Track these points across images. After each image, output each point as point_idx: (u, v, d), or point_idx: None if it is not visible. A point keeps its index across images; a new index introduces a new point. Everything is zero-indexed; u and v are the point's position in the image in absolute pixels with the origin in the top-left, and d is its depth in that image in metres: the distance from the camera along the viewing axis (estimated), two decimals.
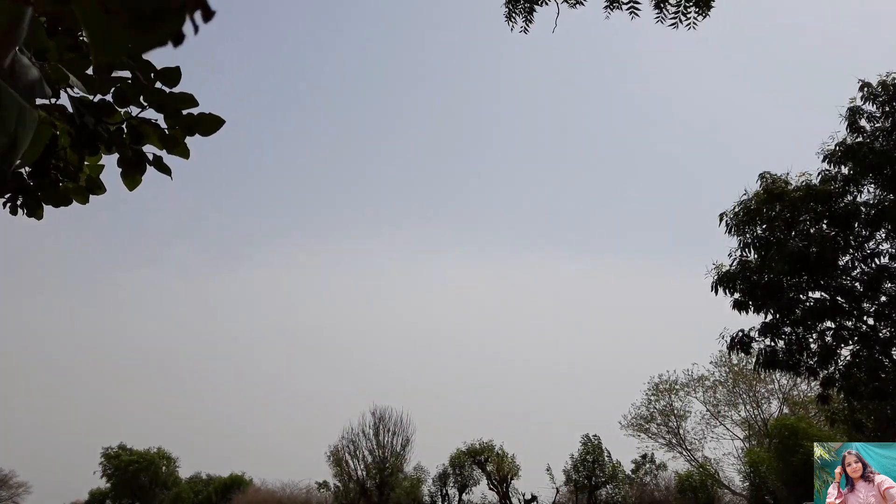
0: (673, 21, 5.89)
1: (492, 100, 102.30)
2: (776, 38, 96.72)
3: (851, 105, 16.20)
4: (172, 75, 2.36)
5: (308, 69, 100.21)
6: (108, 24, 0.91)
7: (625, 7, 5.63)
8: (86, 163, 2.82)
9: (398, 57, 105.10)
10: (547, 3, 6.18)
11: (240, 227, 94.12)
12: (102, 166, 2.88)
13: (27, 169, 2.77)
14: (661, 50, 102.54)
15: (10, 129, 1.13)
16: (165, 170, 2.62)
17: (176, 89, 2.38)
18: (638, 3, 5.60)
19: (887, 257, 16.01)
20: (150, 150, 2.58)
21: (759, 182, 16.95)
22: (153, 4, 0.90)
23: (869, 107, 16.07)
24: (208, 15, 0.92)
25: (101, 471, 49.82)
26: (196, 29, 0.91)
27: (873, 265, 16.04)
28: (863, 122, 16.12)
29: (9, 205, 2.85)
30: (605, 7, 5.71)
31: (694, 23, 5.88)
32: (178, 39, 0.92)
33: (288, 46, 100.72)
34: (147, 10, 0.90)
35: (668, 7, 5.83)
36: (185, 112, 2.41)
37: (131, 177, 2.60)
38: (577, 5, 5.85)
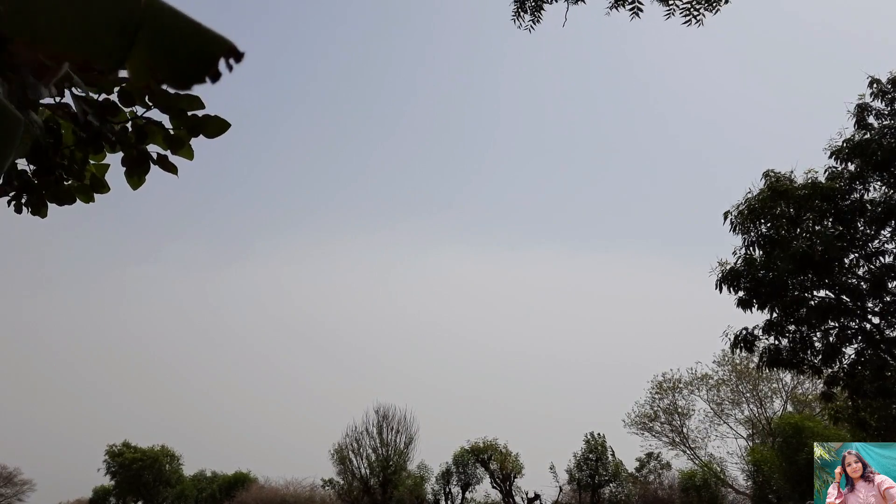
0: (686, 18, 5.86)
1: (497, 96, 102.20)
2: (785, 33, 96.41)
3: (860, 101, 16.12)
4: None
5: (310, 63, 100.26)
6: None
7: (628, 6, 5.63)
8: (91, 161, 2.84)
9: (402, 52, 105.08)
10: (556, 0, 6.18)
11: (242, 223, 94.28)
12: (107, 166, 2.89)
13: (31, 167, 2.79)
14: (668, 46, 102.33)
15: None
16: (171, 168, 2.64)
17: (182, 90, 2.39)
18: (641, 3, 5.59)
19: (893, 256, 15.95)
20: (154, 148, 2.59)
21: (763, 180, 16.91)
22: (197, 66, 1.03)
23: (878, 103, 15.98)
24: (239, 58, 1.06)
25: (105, 468, 49.87)
26: (231, 68, 1.05)
27: (878, 263, 15.99)
28: (871, 119, 16.04)
29: (13, 203, 2.86)
30: (609, 7, 5.71)
31: (701, 17, 5.86)
32: (214, 78, 1.04)
33: (290, 39, 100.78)
34: (191, 72, 1.03)
35: (678, 3, 5.81)
36: (190, 113, 2.42)
37: (135, 176, 2.62)
38: (580, 2, 5.85)
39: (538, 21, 6.19)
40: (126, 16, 0.98)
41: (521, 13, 6.21)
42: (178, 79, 1.02)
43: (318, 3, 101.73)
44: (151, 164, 2.60)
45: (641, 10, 5.63)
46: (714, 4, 5.72)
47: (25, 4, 0.98)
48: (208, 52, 1.03)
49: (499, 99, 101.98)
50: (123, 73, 2.44)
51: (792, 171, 16.79)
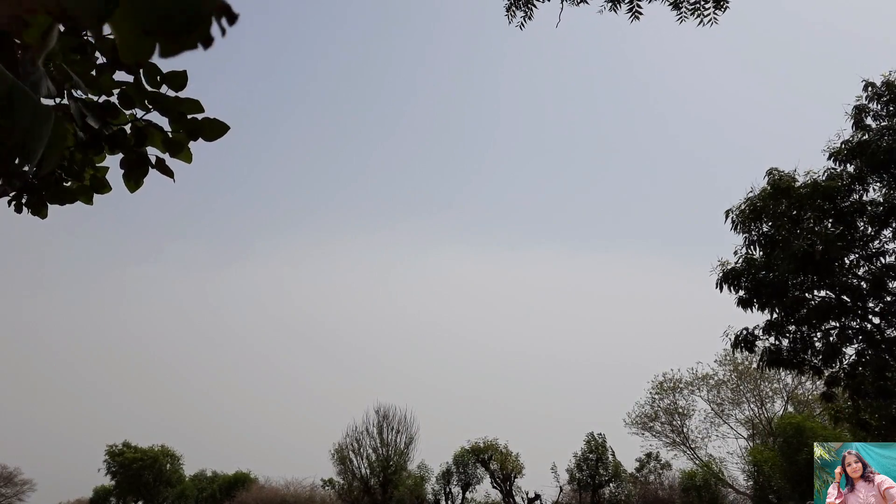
0: (697, 18, 5.86)
1: (497, 96, 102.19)
2: (786, 33, 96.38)
3: (858, 103, 16.13)
4: (178, 79, 2.36)
5: (310, 63, 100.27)
6: (141, 35, 0.98)
7: (626, 7, 5.63)
8: (91, 162, 2.84)
9: (402, 52, 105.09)
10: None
11: (242, 224, 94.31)
12: (107, 168, 2.90)
13: (31, 168, 2.79)
14: (668, 47, 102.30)
15: (24, 125, 1.15)
16: (168, 172, 2.63)
17: (182, 93, 2.38)
18: (639, 4, 5.59)
19: (893, 256, 15.94)
20: (153, 152, 2.59)
21: (766, 178, 16.90)
22: (186, 17, 0.96)
23: (875, 105, 16.00)
24: (233, 19, 0.99)
25: (106, 468, 49.91)
26: (223, 32, 0.98)
27: (878, 264, 15.98)
28: (869, 121, 16.05)
29: (13, 203, 2.87)
30: (605, 6, 5.71)
31: (714, 18, 5.87)
32: (207, 43, 0.99)
33: (290, 41, 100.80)
34: (180, 23, 0.96)
35: (687, 4, 5.81)
36: (189, 116, 2.41)
37: (133, 178, 2.62)
38: (581, 3, 5.85)
39: (529, 18, 6.20)
40: None
41: (514, 9, 6.22)
42: (167, 37, 0.96)
43: (319, 3, 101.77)
44: (150, 168, 2.60)
45: (641, 13, 5.64)
46: (722, 3, 5.73)
47: None
48: (199, 8, 0.97)
49: (499, 99, 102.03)
50: (122, 76, 2.45)
51: (795, 170, 16.79)
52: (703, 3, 5.68)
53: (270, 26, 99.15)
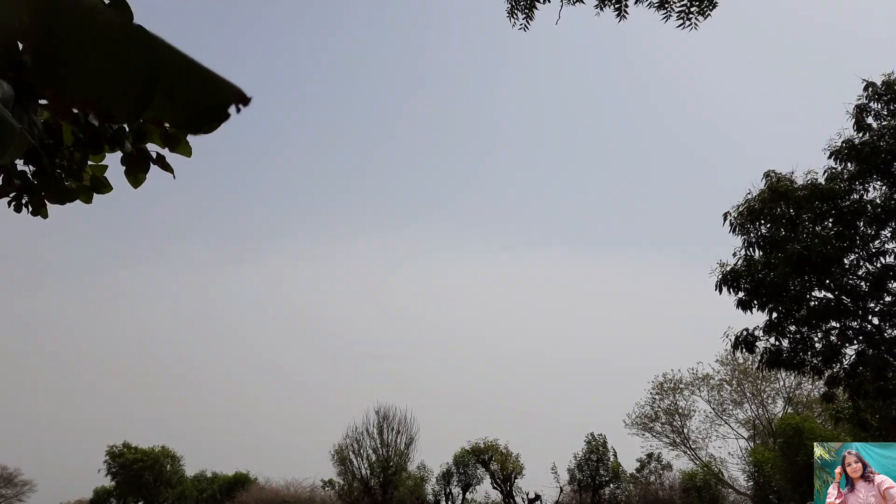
0: (679, 22, 5.88)
1: (498, 97, 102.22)
2: (786, 33, 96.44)
3: (859, 103, 16.12)
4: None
5: (310, 66, 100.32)
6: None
7: (613, 7, 5.64)
8: (90, 162, 2.85)
9: (401, 55, 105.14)
10: (549, 0, 6.19)
11: (242, 224, 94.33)
12: (106, 166, 2.90)
13: (31, 168, 2.80)
14: (668, 48, 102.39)
15: None
16: (168, 168, 2.64)
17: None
18: (626, 4, 5.62)
19: (893, 256, 15.95)
20: (153, 148, 2.60)
21: (763, 181, 16.91)
22: (209, 116, 1.12)
23: (875, 105, 15.99)
24: (247, 102, 1.13)
25: (106, 469, 49.92)
26: (238, 110, 1.13)
27: (878, 264, 15.98)
28: (870, 120, 16.04)
29: (13, 203, 2.87)
30: (597, 6, 5.72)
31: (696, 23, 5.89)
32: (223, 119, 1.14)
33: (290, 40, 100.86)
34: (204, 121, 1.12)
35: (674, 7, 5.83)
36: None
37: (135, 174, 2.63)
38: (578, 3, 5.86)
39: (531, 19, 6.20)
40: (148, 65, 1.06)
41: (516, 12, 6.22)
42: (192, 126, 1.12)
43: (319, 4, 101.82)
44: (151, 164, 2.61)
45: (627, 13, 5.65)
46: (705, 9, 5.74)
47: (51, 56, 1.03)
48: (221, 100, 1.11)
49: (499, 100, 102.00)
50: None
51: (792, 172, 16.81)
52: (688, 6, 5.70)
53: (271, 26, 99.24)
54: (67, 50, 1.03)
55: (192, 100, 1.09)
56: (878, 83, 15.86)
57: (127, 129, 2.55)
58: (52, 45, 1.03)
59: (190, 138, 2.52)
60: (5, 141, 1.11)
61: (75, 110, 1.23)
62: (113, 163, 2.88)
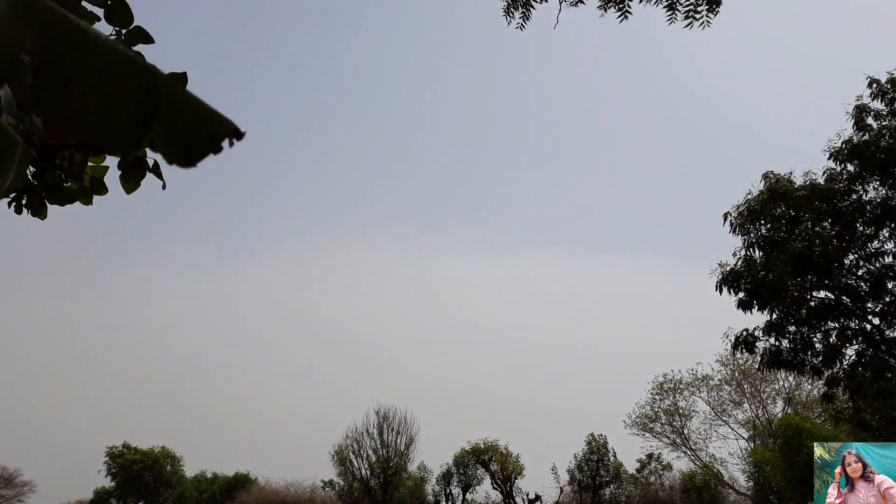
0: (687, 22, 5.87)
1: (522, 99, 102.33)
2: (784, 33, 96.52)
3: (858, 102, 16.13)
4: (179, 82, 2.37)
5: (322, 69, 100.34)
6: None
7: (616, 8, 5.64)
8: (90, 164, 2.85)
9: (413, 58, 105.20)
10: (546, 0, 6.19)
11: (244, 228, 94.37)
12: (107, 168, 2.91)
13: (32, 169, 2.80)
14: (666, 47, 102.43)
15: None
16: (160, 176, 2.65)
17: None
18: (630, 3, 5.61)
19: (892, 257, 15.96)
20: (151, 153, 2.61)
21: (762, 182, 16.92)
22: (204, 148, 1.11)
23: (877, 104, 15.98)
24: (240, 137, 1.14)
25: (106, 469, 49.90)
26: (231, 145, 1.14)
27: (878, 264, 15.99)
28: (870, 120, 16.04)
29: (13, 204, 2.88)
30: (599, 6, 5.72)
31: (707, 21, 5.87)
32: (216, 152, 1.14)
33: (298, 42, 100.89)
34: (198, 154, 1.11)
35: (680, 6, 5.82)
36: None
37: (131, 180, 2.63)
38: (579, 4, 5.86)
39: (528, 18, 6.20)
40: (147, 100, 1.06)
41: (512, 10, 6.21)
42: (185, 159, 1.11)
43: (333, 8, 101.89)
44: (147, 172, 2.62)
45: (630, 12, 5.65)
46: (714, 7, 5.74)
47: (52, 77, 1.03)
48: (215, 134, 1.12)
49: (525, 102, 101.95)
50: None
51: (791, 173, 16.82)
52: (696, 5, 5.69)
53: (291, 29, 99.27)
54: (68, 73, 1.03)
55: (188, 133, 1.10)
56: (883, 80, 15.84)
57: None
58: (53, 66, 1.03)
59: None
60: (8, 158, 1.11)
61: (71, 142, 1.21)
62: (113, 164, 2.89)
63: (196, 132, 1.10)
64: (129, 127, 1.05)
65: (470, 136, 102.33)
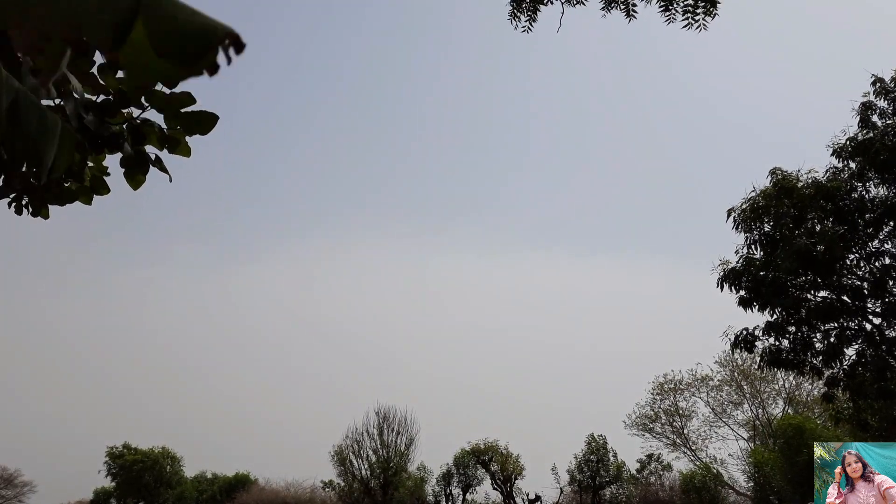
0: (686, 22, 5.87)
1: (500, 102, 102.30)
2: (785, 33, 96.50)
3: (864, 100, 16.10)
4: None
5: (322, 69, 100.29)
6: (153, 60, 1.02)
7: (621, 8, 5.64)
8: (90, 164, 2.85)
9: (413, 58, 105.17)
10: (552, 3, 6.18)
11: (244, 228, 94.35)
12: (107, 167, 2.91)
13: (43, 173, 2.80)
14: (668, 45, 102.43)
15: (32, 132, 1.17)
16: (164, 170, 2.65)
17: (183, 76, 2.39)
18: (635, 4, 5.61)
19: (892, 257, 15.94)
20: (152, 150, 2.61)
21: (769, 178, 16.89)
22: (198, 43, 1.00)
23: (882, 102, 15.95)
24: (240, 48, 1.03)
25: (106, 470, 49.88)
26: (229, 60, 1.03)
27: (878, 264, 15.97)
28: (875, 118, 16.01)
29: (14, 204, 2.88)
30: (603, 8, 5.72)
31: (703, 24, 5.87)
32: (213, 70, 1.04)
33: (298, 42, 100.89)
34: (192, 49, 1.00)
35: (678, 8, 5.82)
36: (183, 110, 2.43)
37: (134, 176, 2.63)
38: (578, 4, 5.86)
39: (534, 21, 6.19)
40: None
41: (518, 14, 6.21)
42: (178, 58, 0.99)
43: (333, 9, 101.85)
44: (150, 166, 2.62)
45: (635, 13, 5.65)
46: (711, 8, 5.73)
47: None
48: (208, 35, 1.00)
49: (525, 102, 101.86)
50: (119, 74, 2.46)
51: (798, 170, 16.78)
52: (693, 6, 5.69)
53: (291, 29, 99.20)
54: None
55: (177, 31, 0.98)
56: (887, 79, 15.81)
57: (125, 131, 2.56)
58: None
59: (195, 140, 2.53)
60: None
61: (44, 42, 1.08)
62: (113, 165, 2.89)
63: (187, 29, 0.99)
64: (110, 16, 0.95)
65: (470, 136, 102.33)
